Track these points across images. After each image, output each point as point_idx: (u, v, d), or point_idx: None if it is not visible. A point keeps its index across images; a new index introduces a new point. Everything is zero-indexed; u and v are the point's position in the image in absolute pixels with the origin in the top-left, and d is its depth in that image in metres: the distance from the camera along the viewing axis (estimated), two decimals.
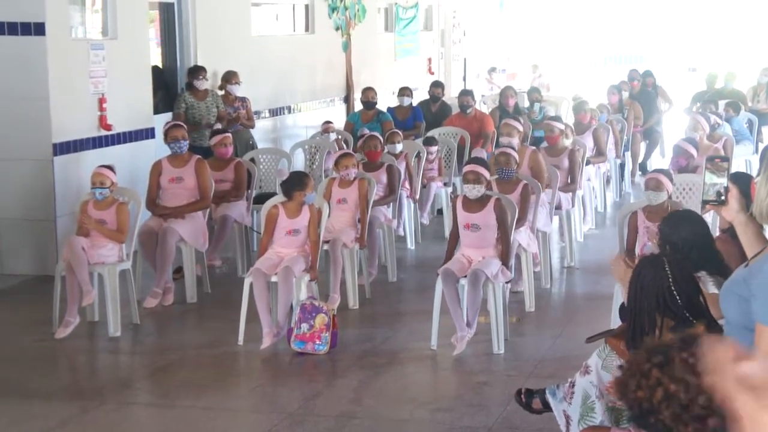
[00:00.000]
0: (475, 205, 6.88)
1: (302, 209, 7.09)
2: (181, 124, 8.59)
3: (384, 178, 8.85)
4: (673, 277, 3.85)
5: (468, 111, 11.86)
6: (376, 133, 9.46)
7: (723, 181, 3.29)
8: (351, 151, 9.51)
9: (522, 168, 8.47)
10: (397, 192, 9.14)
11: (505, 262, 6.83)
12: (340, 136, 11.68)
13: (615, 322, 5.94)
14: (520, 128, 9.26)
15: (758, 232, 3.31)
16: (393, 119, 12.02)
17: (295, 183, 7.09)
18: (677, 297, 3.82)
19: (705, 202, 3.35)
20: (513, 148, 8.05)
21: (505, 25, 23.32)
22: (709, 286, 4.86)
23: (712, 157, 3.39)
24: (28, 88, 8.70)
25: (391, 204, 9.12)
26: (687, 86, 18.21)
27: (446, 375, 6.57)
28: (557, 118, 10.08)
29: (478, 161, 7.18)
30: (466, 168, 6.98)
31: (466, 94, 12.22)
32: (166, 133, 8.29)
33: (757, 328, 3.01)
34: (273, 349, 6.78)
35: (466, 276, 6.70)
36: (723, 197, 3.29)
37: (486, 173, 6.90)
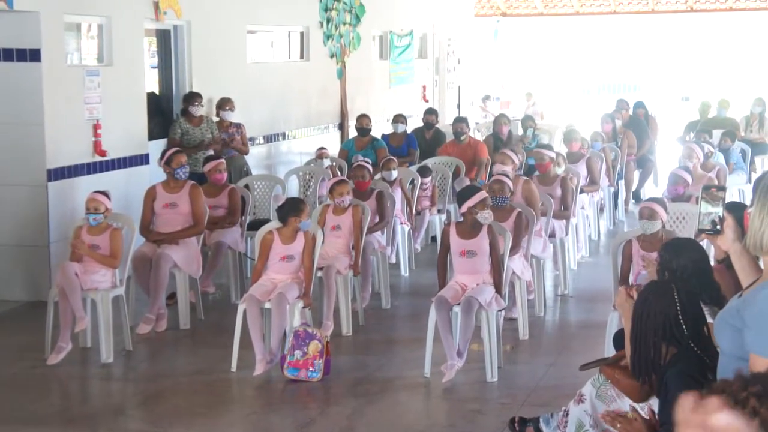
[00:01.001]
0: (469, 231, 6.90)
1: (297, 235, 7.09)
2: (182, 150, 8.61)
3: (374, 206, 8.86)
4: (681, 305, 3.84)
5: (462, 138, 11.90)
6: (364, 163, 9.36)
7: (718, 210, 3.29)
8: (345, 178, 9.51)
9: (516, 197, 8.49)
10: (389, 219, 9.14)
11: (498, 289, 6.83)
12: (334, 163, 11.71)
13: (609, 351, 5.94)
14: (515, 159, 9.26)
15: (753, 262, 3.31)
16: (387, 146, 12.05)
17: (291, 209, 7.09)
18: (684, 325, 3.80)
19: (700, 231, 3.35)
20: (507, 176, 8.07)
21: (500, 53, 23.44)
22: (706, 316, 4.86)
23: (708, 186, 3.40)
24: (23, 114, 8.71)
25: (385, 231, 9.12)
26: (680, 115, 18.31)
27: (439, 403, 6.55)
28: (548, 146, 10.11)
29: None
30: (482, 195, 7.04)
31: (460, 121, 12.26)
32: (170, 159, 8.25)
33: (751, 359, 3.01)
34: (266, 376, 6.76)
35: (459, 303, 6.70)
36: (718, 226, 3.29)
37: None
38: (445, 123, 16.38)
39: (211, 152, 10.13)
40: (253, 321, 6.81)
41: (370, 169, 9.22)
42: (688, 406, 1.33)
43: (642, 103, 14.94)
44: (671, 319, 3.81)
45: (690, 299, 3.90)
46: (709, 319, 4.55)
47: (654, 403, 4.06)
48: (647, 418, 3.80)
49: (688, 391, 3.51)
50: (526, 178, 8.96)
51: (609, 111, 14.22)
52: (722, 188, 3.39)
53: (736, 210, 3.56)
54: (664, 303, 3.84)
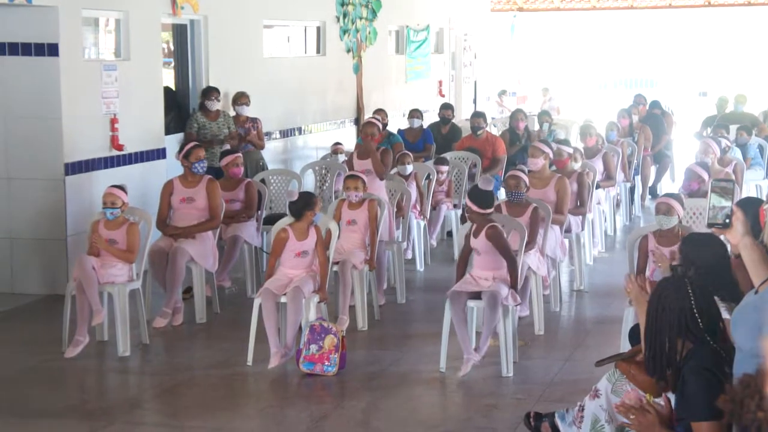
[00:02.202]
0: (476, 230, 6.91)
1: (310, 231, 7.11)
2: (201, 144, 8.63)
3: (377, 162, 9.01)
4: (696, 299, 3.82)
5: (479, 133, 11.88)
6: (375, 120, 9.71)
7: (729, 204, 3.28)
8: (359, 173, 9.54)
9: (548, 192, 8.45)
10: (388, 170, 9.25)
11: (512, 285, 6.82)
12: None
13: (625, 346, 5.93)
14: (547, 151, 8.86)
15: (764, 257, 3.30)
16: (403, 141, 12.04)
17: (306, 203, 7.11)
18: (699, 320, 3.79)
19: (710, 225, 3.34)
20: (523, 171, 8.06)
21: (516, 48, 23.39)
22: (722, 312, 4.84)
23: (718, 180, 3.38)
24: (41, 108, 8.75)
25: (401, 226, 9.12)
26: (697, 110, 18.23)
27: (455, 398, 6.55)
28: (566, 142, 10.06)
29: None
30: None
31: (478, 116, 12.24)
32: (189, 153, 8.27)
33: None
34: (282, 370, 6.78)
35: (474, 296, 6.70)
36: (728, 220, 3.28)
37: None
38: (461, 118, 16.37)
39: (227, 146, 10.16)
40: (269, 314, 6.83)
41: (380, 126, 9.40)
42: None
43: (657, 102, 14.85)
44: (686, 313, 3.80)
45: (704, 293, 3.89)
46: (726, 315, 4.54)
47: (671, 395, 4.05)
48: (661, 409, 3.79)
49: (706, 385, 3.50)
50: (560, 175, 8.82)
51: (626, 106, 14.18)
52: (731, 182, 3.37)
53: (752, 205, 3.55)
54: (679, 298, 3.82)
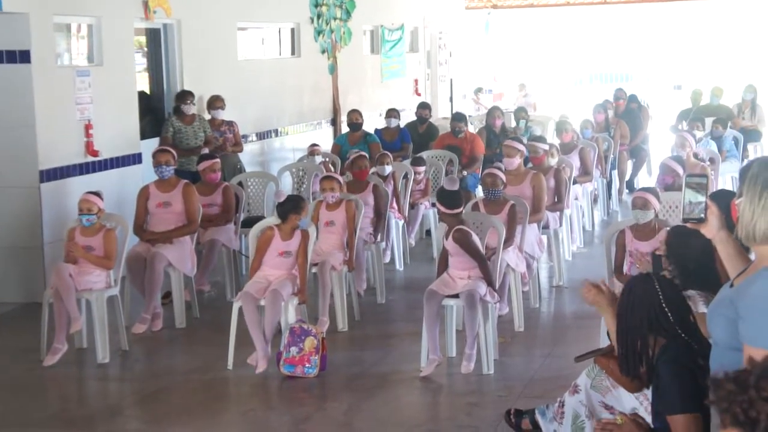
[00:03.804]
0: (447, 232, 6.92)
1: (295, 232, 7.11)
2: (168, 149, 8.60)
3: (370, 200, 8.88)
4: (664, 294, 3.85)
5: (459, 136, 11.89)
6: (365, 153, 9.54)
7: (704, 199, 3.29)
8: (338, 173, 9.54)
9: (523, 189, 8.47)
10: (386, 215, 9.16)
11: (489, 283, 6.82)
12: (326, 159, 11.70)
13: (604, 341, 5.94)
14: (522, 149, 8.95)
15: (739, 250, 3.31)
16: (380, 141, 12.05)
17: (293, 206, 7.11)
18: (669, 314, 3.81)
19: (685, 220, 3.34)
20: (500, 169, 8.07)
21: (491, 45, 23.43)
22: (700, 306, 4.87)
23: (692, 174, 3.39)
24: (14, 116, 8.70)
25: (378, 227, 9.11)
26: (672, 104, 18.31)
27: (436, 397, 6.56)
28: (541, 139, 10.09)
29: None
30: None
31: (458, 119, 12.18)
32: (153, 157, 8.31)
33: (745, 349, 3.01)
34: (262, 373, 6.76)
35: (451, 294, 6.70)
36: (703, 215, 3.28)
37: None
38: (437, 116, 16.38)
39: (206, 150, 10.13)
40: (251, 318, 6.81)
41: (368, 158, 9.33)
42: None
43: (635, 96, 14.92)
44: (656, 309, 3.82)
45: (671, 287, 3.92)
46: (705, 309, 4.57)
47: (649, 392, 4.07)
48: (640, 421, 3.82)
49: (679, 379, 3.52)
50: (535, 171, 8.84)
51: (601, 101, 14.22)
52: (704, 176, 3.37)
53: (723, 198, 3.55)
54: (647, 294, 3.85)
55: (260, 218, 8.58)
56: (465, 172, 11.49)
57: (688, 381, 3.63)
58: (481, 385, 6.54)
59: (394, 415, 6.11)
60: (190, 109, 10.47)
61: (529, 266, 8.18)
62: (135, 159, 9.98)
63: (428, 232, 11.08)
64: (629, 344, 3.84)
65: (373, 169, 9.94)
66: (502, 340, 7.28)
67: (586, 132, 12.33)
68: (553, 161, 9.64)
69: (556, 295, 9.03)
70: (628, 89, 15.47)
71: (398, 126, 12.64)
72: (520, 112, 13.76)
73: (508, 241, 7.56)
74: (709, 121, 13.28)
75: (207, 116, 10.87)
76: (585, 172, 11.15)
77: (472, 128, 14.58)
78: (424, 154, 11.38)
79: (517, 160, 8.72)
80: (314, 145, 12.06)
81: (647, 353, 3.81)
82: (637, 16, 26.34)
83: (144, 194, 8.27)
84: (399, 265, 9.97)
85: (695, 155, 10.28)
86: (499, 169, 8.08)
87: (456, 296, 6.73)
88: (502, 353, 7.07)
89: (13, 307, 8.71)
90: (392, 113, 12.68)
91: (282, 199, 7.13)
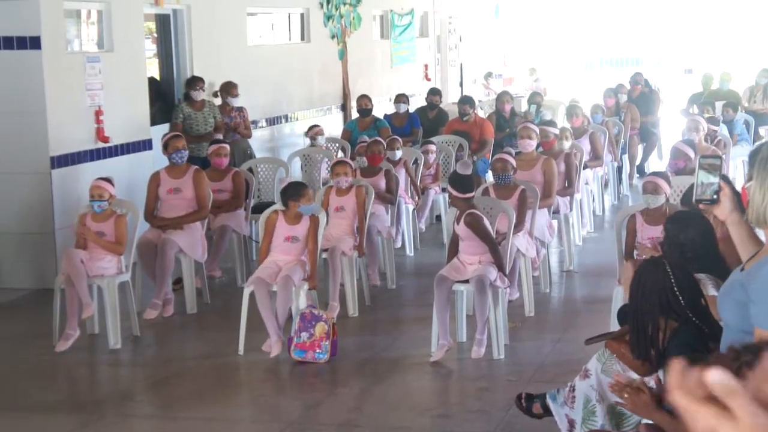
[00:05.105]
0: (458, 217, 6.91)
1: (302, 217, 7.11)
2: (181, 134, 8.61)
3: (382, 184, 8.88)
4: (675, 278, 3.84)
5: (465, 119, 11.87)
6: (381, 139, 9.59)
7: (716, 180, 3.27)
8: (348, 158, 9.53)
9: (534, 174, 8.46)
10: (396, 197, 9.17)
11: (498, 268, 6.81)
12: (330, 145, 11.63)
13: (614, 325, 5.94)
14: (538, 132, 8.97)
15: (751, 233, 3.30)
16: (390, 126, 12.03)
17: (292, 193, 7.10)
18: (680, 298, 3.81)
19: (698, 202, 3.32)
20: (510, 154, 8.06)
21: (501, 30, 23.34)
22: (709, 289, 4.86)
23: (705, 156, 3.37)
24: (25, 102, 8.71)
25: (389, 212, 9.12)
26: (683, 88, 18.24)
27: (447, 381, 6.57)
28: (552, 123, 10.07)
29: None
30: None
31: (465, 102, 12.18)
32: (167, 144, 8.28)
33: (756, 333, 3.01)
34: (273, 359, 6.78)
35: (461, 279, 6.70)
36: (716, 196, 3.27)
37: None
38: (447, 101, 16.35)
39: (219, 135, 10.14)
40: (263, 303, 6.80)
41: (385, 145, 9.33)
42: (679, 368, 1.34)
43: (646, 80, 14.86)
44: (668, 292, 3.82)
45: (683, 271, 3.92)
46: (715, 293, 4.56)
47: (661, 373, 4.07)
48: (654, 389, 3.81)
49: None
50: (546, 156, 8.83)
51: (612, 85, 14.18)
52: (718, 157, 3.35)
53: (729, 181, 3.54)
54: (658, 278, 3.85)
55: (270, 204, 8.59)
56: (475, 157, 11.48)
57: (698, 365, 3.62)
58: (492, 369, 6.55)
59: (404, 400, 6.12)
60: (200, 95, 10.47)
61: (539, 251, 8.17)
62: (145, 145, 9.99)
63: (438, 218, 11.07)
64: (640, 327, 3.84)
65: None
66: (512, 325, 7.28)
67: (597, 116, 12.30)
68: (567, 144, 9.62)
69: (567, 280, 9.02)
70: (638, 73, 15.40)
71: (407, 111, 12.62)
72: (535, 97, 13.73)
73: (519, 226, 7.55)
74: (719, 105, 13.22)
75: (217, 102, 10.86)
76: (595, 157, 11.13)
77: (482, 113, 14.56)
78: (435, 140, 11.37)
79: (534, 142, 8.73)
80: (315, 125, 11.72)
81: (658, 337, 3.81)
82: None
83: (155, 180, 8.28)
84: (409, 251, 9.97)
85: (712, 134, 10.23)
86: (510, 153, 8.07)
87: (466, 281, 6.72)
88: (512, 338, 7.07)
89: (25, 293, 8.74)
90: (401, 98, 12.67)
91: (284, 186, 7.13)
